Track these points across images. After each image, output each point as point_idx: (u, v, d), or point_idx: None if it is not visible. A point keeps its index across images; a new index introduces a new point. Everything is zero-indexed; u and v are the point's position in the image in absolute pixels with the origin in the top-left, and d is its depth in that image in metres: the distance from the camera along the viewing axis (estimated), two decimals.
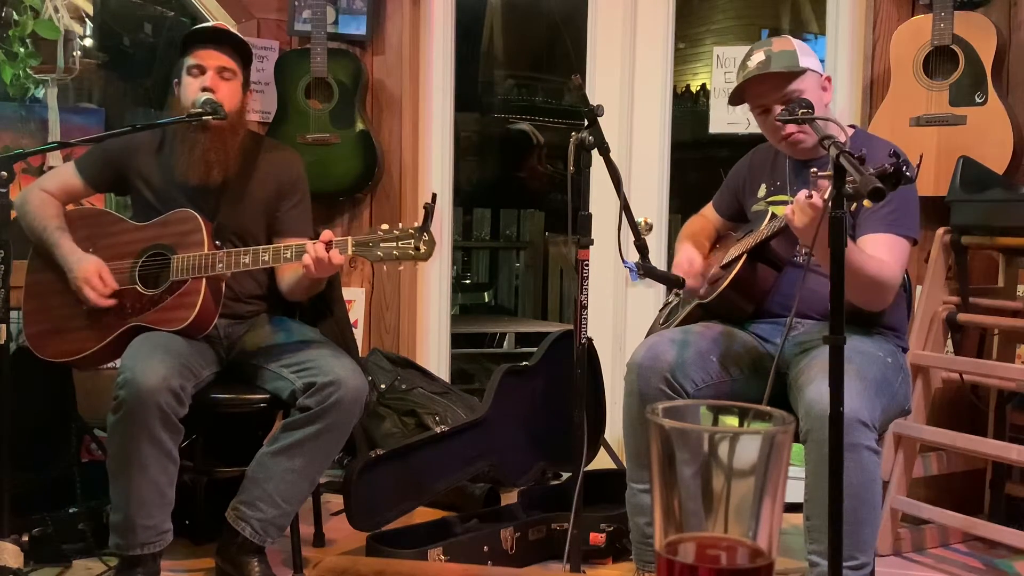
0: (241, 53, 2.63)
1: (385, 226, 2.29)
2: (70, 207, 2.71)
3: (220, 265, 2.42)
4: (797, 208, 2.02)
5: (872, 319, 2.28)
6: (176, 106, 2.60)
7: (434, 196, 2.30)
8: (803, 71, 2.31)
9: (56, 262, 2.55)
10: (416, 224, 2.27)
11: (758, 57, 2.33)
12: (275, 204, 2.67)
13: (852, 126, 2.50)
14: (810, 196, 2.00)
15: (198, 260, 2.44)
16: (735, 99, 2.40)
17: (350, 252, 2.29)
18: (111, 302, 2.49)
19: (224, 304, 2.53)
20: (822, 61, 2.83)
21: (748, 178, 2.57)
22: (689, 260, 2.46)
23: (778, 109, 2.31)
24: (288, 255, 2.37)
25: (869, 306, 2.22)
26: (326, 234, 2.32)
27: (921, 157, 2.79)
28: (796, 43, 2.36)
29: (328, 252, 2.29)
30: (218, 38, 2.59)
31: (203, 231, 2.48)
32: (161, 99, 2.70)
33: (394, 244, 2.26)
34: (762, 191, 2.51)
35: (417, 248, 2.25)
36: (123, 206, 2.90)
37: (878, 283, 2.16)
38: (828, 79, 2.37)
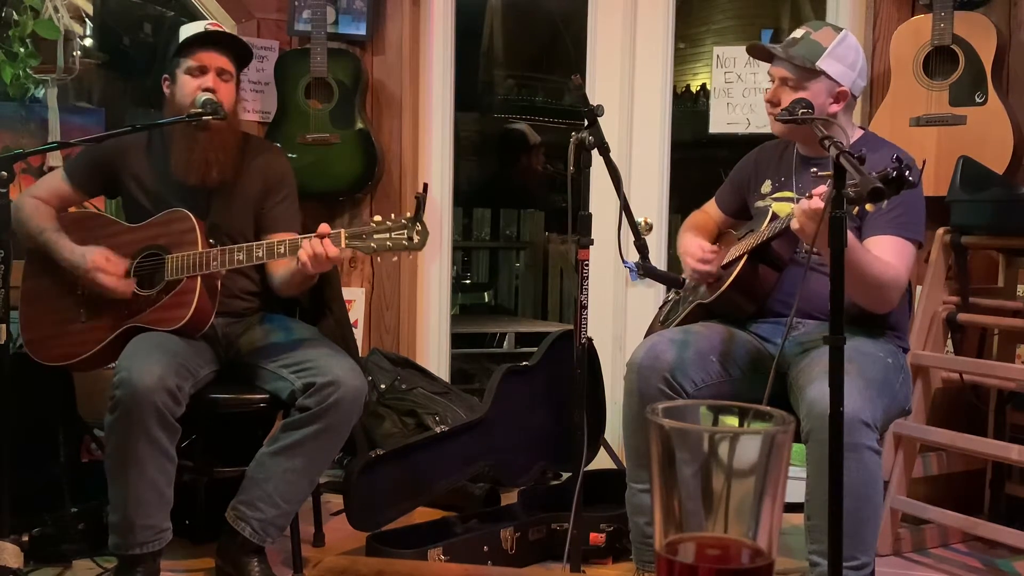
0: (237, 55, 2.63)
1: (378, 218, 2.28)
2: (72, 209, 2.71)
3: (214, 263, 2.42)
4: (803, 216, 2.01)
5: (873, 319, 2.28)
6: (171, 105, 2.59)
7: (425, 186, 2.31)
8: (816, 72, 2.30)
9: (52, 266, 2.54)
10: (408, 214, 2.26)
11: (797, 33, 2.35)
12: (261, 201, 2.67)
13: (862, 128, 2.50)
14: (810, 197, 2.00)
15: (193, 259, 2.44)
16: (756, 52, 2.45)
17: (343, 244, 2.28)
18: (127, 285, 2.48)
19: (220, 302, 2.53)
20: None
21: (753, 173, 2.57)
22: (699, 245, 2.44)
23: (776, 88, 2.35)
24: (282, 251, 2.37)
25: (873, 308, 2.22)
26: (323, 227, 2.31)
27: (924, 162, 2.79)
28: (836, 43, 2.30)
29: (324, 245, 2.28)
30: (218, 40, 2.60)
31: (197, 230, 2.48)
32: (161, 99, 2.69)
33: (387, 235, 2.25)
34: (767, 187, 2.51)
35: (411, 238, 2.24)
36: (117, 207, 2.90)
37: (883, 285, 2.16)
38: (843, 92, 2.31)
